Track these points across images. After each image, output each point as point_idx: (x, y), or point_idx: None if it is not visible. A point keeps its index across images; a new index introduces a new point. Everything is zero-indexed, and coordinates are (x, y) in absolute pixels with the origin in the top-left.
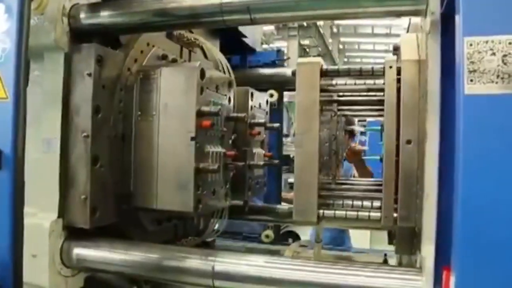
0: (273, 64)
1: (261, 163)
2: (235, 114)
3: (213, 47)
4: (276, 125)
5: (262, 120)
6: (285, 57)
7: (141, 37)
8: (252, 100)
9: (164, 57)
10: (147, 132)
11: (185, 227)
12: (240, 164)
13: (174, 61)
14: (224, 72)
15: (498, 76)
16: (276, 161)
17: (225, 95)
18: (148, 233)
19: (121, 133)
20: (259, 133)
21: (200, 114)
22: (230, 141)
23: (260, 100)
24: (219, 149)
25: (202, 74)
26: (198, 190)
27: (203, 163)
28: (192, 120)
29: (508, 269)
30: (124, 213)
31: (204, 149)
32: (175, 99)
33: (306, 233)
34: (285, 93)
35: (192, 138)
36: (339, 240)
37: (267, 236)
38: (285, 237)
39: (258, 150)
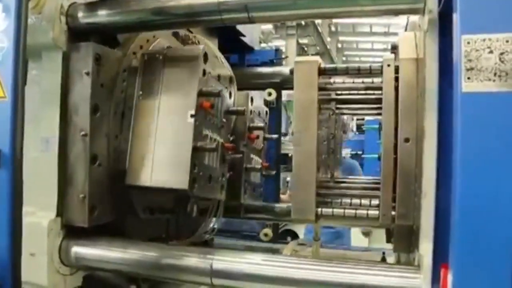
0: (271, 63)
1: (258, 166)
2: (235, 108)
3: (215, 49)
4: (275, 136)
5: (261, 124)
6: (283, 56)
7: None
8: (252, 104)
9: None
10: (147, 110)
11: (177, 224)
12: (238, 156)
13: None
14: None
15: (495, 74)
16: (273, 172)
17: (226, 87)
18: (140, 222)
19: (121, 111)
20: (257, 137)
21: (201, 94)
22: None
23: (260, 109)
24: (218, 138)
25: (206, 57)
26: (195, 169)
27: (201, 142)
28: (193, 98)
29: (505, 267)
30: (117, 197)
31: (203, 131)
32: (178, 79)
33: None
34: (284, 92)
35: (192, 115)
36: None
37: (265, 235)
38: (284, 236)
39: (255, 158)
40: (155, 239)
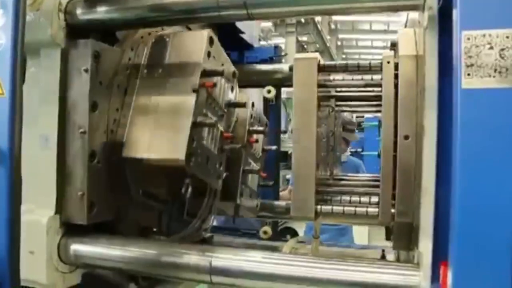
0: (270, 60)
1: (256, 168)
2: (236, 100)
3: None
4: (274, 147)
5: (261, 128)
6: (282, 53)
7: None
8: (253, 109)
9: None
10: (150, 87)
11: (170, 218)
12: (237, 146)
13: None
14: None
15: (495, 70)
16: (271, 183)
17: (229, 80)
18: (133, 206)
19: (124, 87)
20: (256, 141)
21: (205, 74)
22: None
23: (260, 116)
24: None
25: (211, 40)
26: (193, 144)
27: (201, 117)
28: (197, 76)
29: (505, 264)
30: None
31: (203, 111)
32: (183, 58)
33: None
34: (283, 89)
35: (194, 90)
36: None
37: (265, 233)
38: (284, 234)
39: (254, 164)
40: (145, 230)
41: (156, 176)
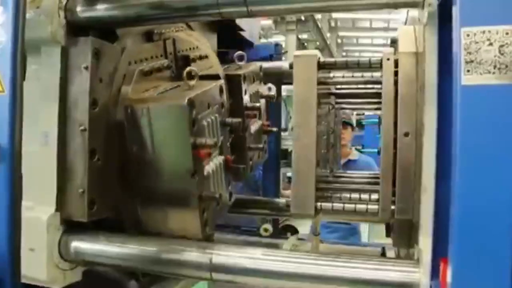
0: (271, 58)
1: None
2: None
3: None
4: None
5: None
6: (283, 51)
7: None
8: None
9: None
10: None
11: None
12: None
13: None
14: None
15: (495, 67)
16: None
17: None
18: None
19: None
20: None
21: None
22: None
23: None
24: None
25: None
26: None
27: None
28: None
29: (504, 260)
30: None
31: None
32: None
33: (305, 225)
34: (283, 87)
35: None
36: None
37: (265, 230)
38: (284, 231)
39: None
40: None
41: None
